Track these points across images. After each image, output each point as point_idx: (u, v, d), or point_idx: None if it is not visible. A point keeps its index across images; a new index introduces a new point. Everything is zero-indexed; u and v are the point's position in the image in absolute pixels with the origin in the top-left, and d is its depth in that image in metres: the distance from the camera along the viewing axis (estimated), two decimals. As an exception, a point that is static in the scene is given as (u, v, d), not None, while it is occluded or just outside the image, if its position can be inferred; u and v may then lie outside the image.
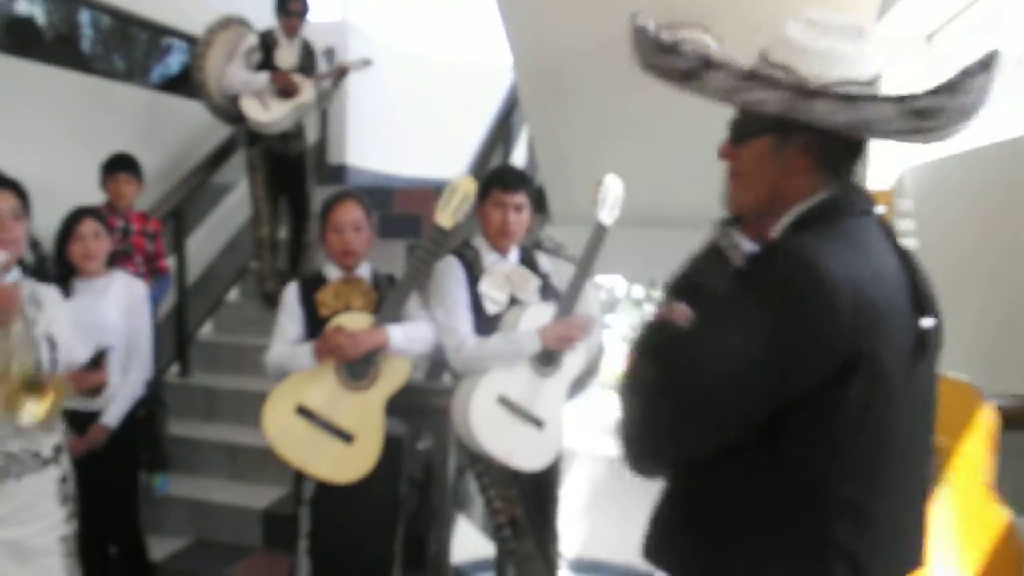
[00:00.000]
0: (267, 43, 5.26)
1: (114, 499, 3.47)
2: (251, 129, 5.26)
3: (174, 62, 7.87)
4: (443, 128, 6.46)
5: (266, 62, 5.24)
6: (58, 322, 2.68)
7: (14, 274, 2.61)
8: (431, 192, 5.43)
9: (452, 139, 5.55)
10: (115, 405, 3.40)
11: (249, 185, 5.43)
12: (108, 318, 3.40)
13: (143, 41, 7.87)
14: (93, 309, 3.33)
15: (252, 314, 5.56)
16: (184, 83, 6.91)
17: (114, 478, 3.44)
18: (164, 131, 5.83)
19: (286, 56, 5.29)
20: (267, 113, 5.13)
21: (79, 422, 3.18)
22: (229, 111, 5.29)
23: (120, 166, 4.37)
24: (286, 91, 5.14)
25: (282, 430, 2.93)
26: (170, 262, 4.77)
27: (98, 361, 2.63)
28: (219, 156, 5.72)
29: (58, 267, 3.44)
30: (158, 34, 6.88)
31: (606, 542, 9.81)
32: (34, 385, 2.34)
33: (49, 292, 2.74)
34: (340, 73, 5.49)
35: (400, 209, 5.86)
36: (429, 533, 3.55)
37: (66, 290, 3.18)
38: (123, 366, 3.46)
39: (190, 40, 6.87)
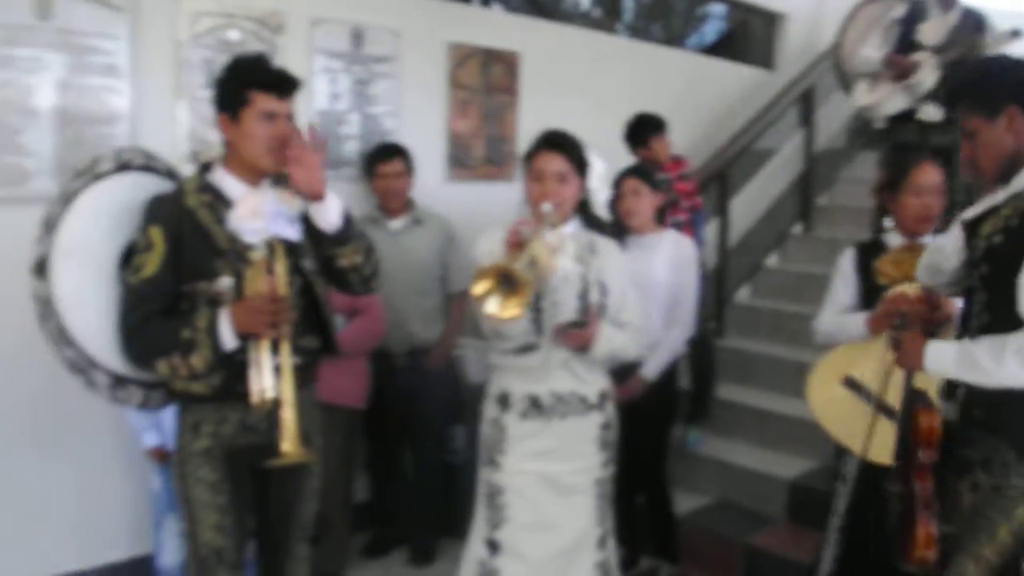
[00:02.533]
0: (914, 16, 4.59)
1: (645, 450, 3.55)
2: (863, 117, 4.78)
3: (711, 30, 7.94)
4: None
5: (905, 38, 4.57)
6: (610, 271, 2.77)
7: (571, 226, 2.75)
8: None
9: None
10: (655, 358, 3.47)
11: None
12: (656, 274, 3.48)
13: (680, 12, 8.04)
14: (642, 264, 3.41)
15: (791, 281, 5.44)
16: (724, 49, 6.94)
17: (647, 429, 3.52)
18: (706, 95, 5.88)
19: (932, 31, 4.53)
20: (870, 94, 4.62)
21: (619, 371, 3.26)
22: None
23: (655, 128, 4.47)
24: (901, 75, 4.50)
25: (827, 401, 2.80)
26: (712, 225, 4.80)
27: (583, 322, 2.66)
28: (762, 121, 5.63)
29: (614, 224, 3.59)
30: (697, 3, 6.95)
31: None
32: (512, 285, 2.37)
33: (607, 243, 2.84)
34: (971, 48, 4.40)
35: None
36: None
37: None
38: (666, 321, 3.52)
39: (733, 5, 6.87)
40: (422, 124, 4.40)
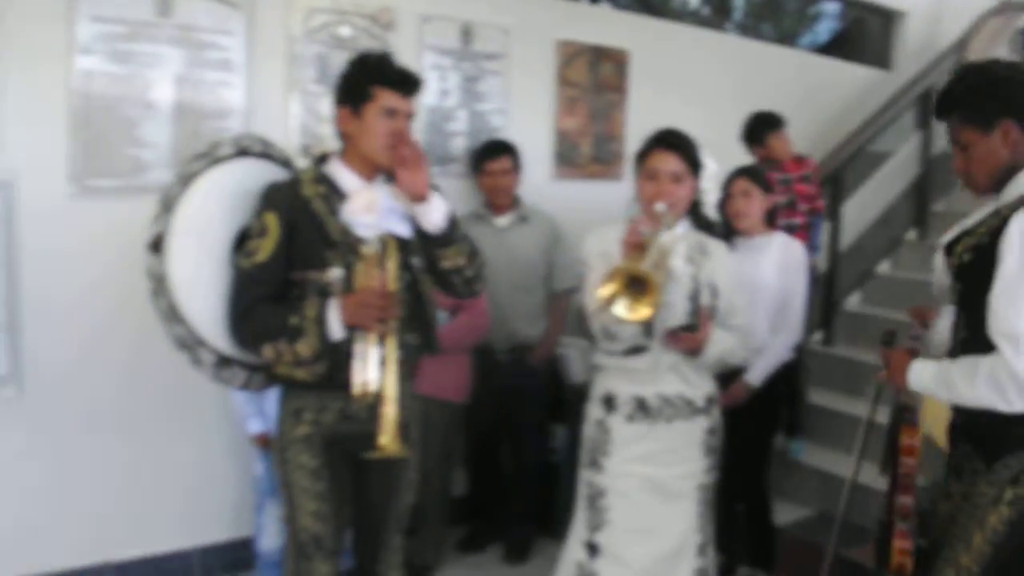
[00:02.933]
0: None
1: (746, 457, 3.47)
2: None
3: (823, 29, 7.76)
4: None
5: None
6: (720, 273, 2.72)
7: (682, 226, 2.70)
8: None
9: None
10: (760, 364, 3.39)
11: None
12: (763, 277, 3.40)
13: (791, 11, 7.88)
14: (750, 267, 3.34)
15: (903, 289, 5.26)
16: (838, 48, 6.76)
17: (750, 436, 3.44)
18: (819, 95, 5.72)
19: None
20: None
21: (723, 376, 3.21)
22: None
23: (772, 125, 4.38)
24: None
25: (940, 417, 2.67)
26: (824, 228, 4.69)
27: (695, 326, 2.60)
28: (878, 122, 5.46)
29: (722, 226, 3.52)
30: (810, 2, 6.80)
31: None
32: (641, 288, 2.35)
33: (717, 245, 2.80)
34: None
35: None
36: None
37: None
38: (773, 326, 3.43)
39: (848, 3, 6.68)
40: (530, 121, 4.40)
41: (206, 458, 3.64)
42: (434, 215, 2.41)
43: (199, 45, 3.46)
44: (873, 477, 4.05)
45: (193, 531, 3.65)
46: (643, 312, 2.36)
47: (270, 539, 3.36)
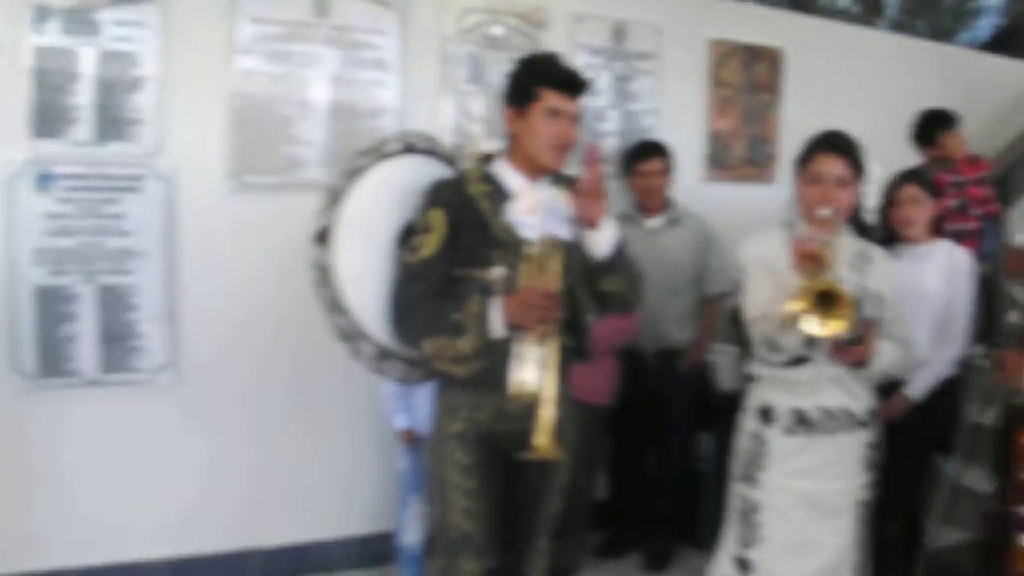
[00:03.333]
0: None
1: (901, 474, 3.31)
2: None
3: (984, 25, 7.44)
4: None
5: None
6: (888, 281, 2.62)
7: (846, 232, 2.59)
8: None
9: None
10: (922, 378, 3.23)
11: None
12: (926, 286, 3.24)
13: (949, 7, 7.56)
14: (913, 276, 3.19)
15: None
16: (1000, 45, 6.44)
17: (906, 453, 3.27)
18: (982, 94, 5.40)
19: None
20: None
21: (882, 388, 3.06)
22: None
23: (945, 123, 4.17)
24: None
25: None
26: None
27: (860, 337, 2.47)
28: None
29: (883, 232, 3.38)
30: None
31: None
32: (830, 302, 2.28)
33: (880, 253, 2.69)
34: None
35: None
36: None
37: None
38: (936, 337, 3.27)
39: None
40: (681, 122, 4.33)
41: (353, 451, 3.71)
42: (602, 243, 2.41)
43: (354, 45, 3.52)
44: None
45: (338, 522, 3.73)
46: (836, 327, 2.30)
47: (412, 534, 3.39)
